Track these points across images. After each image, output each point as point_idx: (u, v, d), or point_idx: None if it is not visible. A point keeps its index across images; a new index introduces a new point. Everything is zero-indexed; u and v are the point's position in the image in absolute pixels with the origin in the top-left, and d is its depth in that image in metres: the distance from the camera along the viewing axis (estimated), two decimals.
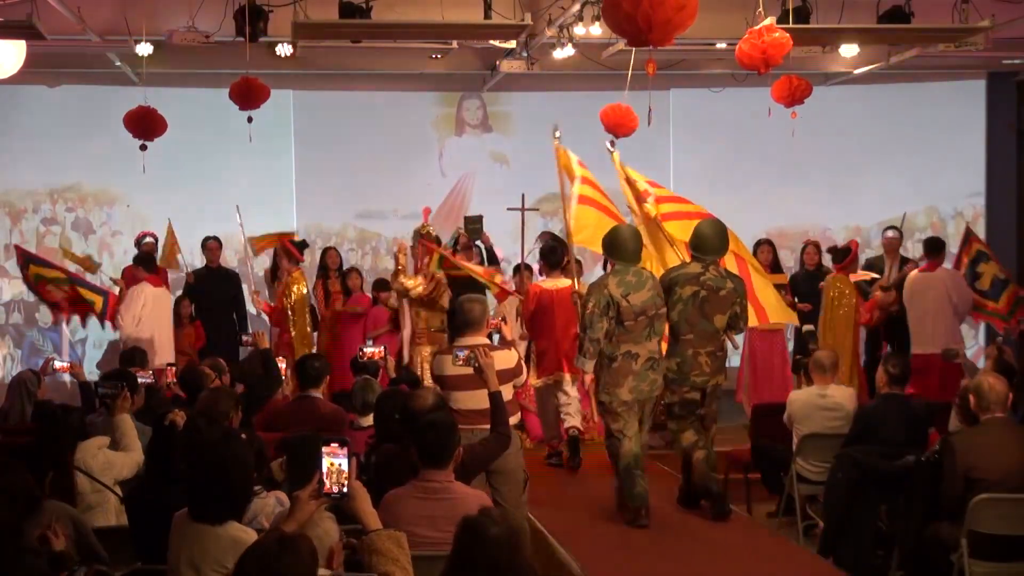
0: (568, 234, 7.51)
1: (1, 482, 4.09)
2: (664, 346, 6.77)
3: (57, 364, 7.32)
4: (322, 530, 3.65)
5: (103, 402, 5.75)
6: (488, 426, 5.35)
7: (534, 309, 8.27)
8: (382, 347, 7.45)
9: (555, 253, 8.21)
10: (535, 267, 9.64)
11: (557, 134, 7.56)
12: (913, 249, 11.36)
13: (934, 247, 9.88)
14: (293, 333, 9.74)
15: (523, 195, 9.69)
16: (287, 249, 9.88)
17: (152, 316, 9.30)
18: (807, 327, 9.28)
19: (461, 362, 5.43)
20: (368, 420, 5.80)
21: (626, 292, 6.38)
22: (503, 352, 5.81)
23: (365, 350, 7.28)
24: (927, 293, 9.60)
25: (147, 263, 9.62)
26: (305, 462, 3.92)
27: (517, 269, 10.08)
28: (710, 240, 6.69)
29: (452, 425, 4.45)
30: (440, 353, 5.86)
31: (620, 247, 6.56)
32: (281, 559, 2.87)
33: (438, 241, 9.27)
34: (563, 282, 8.00)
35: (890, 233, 10.50)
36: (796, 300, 10.07)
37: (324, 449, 3.34)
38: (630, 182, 7.57)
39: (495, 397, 5.32)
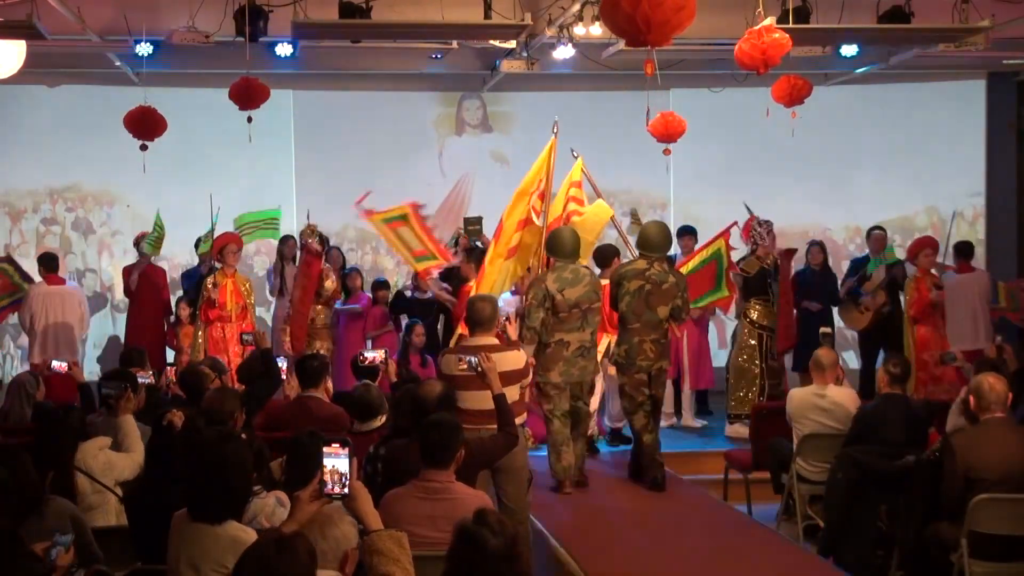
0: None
1: (4, 472, 4.08)
2: (606, 336, 7.81)
3: (55, 364, 7.29)
4: (340, 532, 3.64)
5: (106, 402, 5.75)
6: (494, 427, 5.38)
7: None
8: (383, 350, 7.43)
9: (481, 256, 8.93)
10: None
11: (555, 129, 8.09)
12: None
13: (965, 251, 9.99)
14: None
15: None
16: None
17: (41, 313, 9.68)
18: (824, 329, 9.31)
19: (464, 366, 5.44)
20: (368, 425, 5.77)
21: (561, 287, 7.10)
22: (513, 353, 5.85)
23: (366, 354, 7.25)
24: (964, 294, 9.69)
25: (46, 262, 9.90)
26: (305, 462, 3.92)
27: None
28: (655, 239, 7.49)
29: (456, 426, 4.46)
30: (447, 353, 5.90)
31: (560, 247, 7.31)
32: (279, 559, 2.86)
33: (323, 240, 9.87)
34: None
35: (877, 233, 10.51)
36: (800, 300, 10.07)
37: (325, 449, 3.35)
38: (579, 185, 8.39)
39: (498, 399, 5.35)
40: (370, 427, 5.70)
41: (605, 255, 8.83)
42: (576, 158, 8.44)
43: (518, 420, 5.82)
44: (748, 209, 9.67)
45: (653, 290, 7.35)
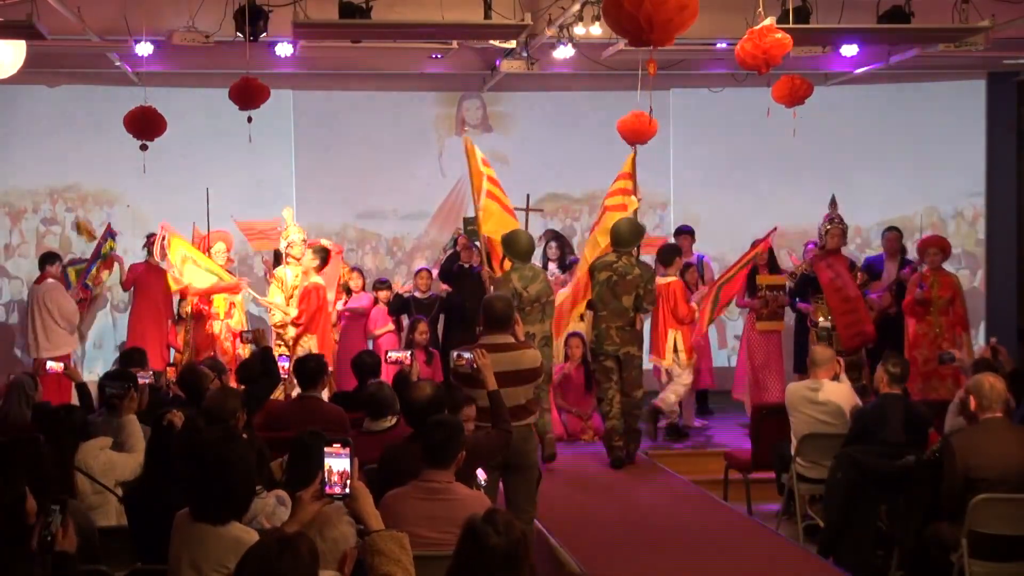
0: (478, 225, 8.74)
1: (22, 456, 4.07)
2: (672, 332, 8.82)
3: (50, 365, 7.27)
4: (339, 533, 3.64)
5: (110, 402, 5.74)
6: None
7: (317, 307, 9.22)
8: (408, 352, 7.50)
9: (326, 256, 9.47)
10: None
11: (466, 129, 8.57)
12: (912, 249, 11.33)
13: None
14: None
15: (527, 195, 9.70)
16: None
17: (38, 311, 9.89)
18: (823, 323, 9.35)
19: (463, 364, 5.44)
20: (380, 424, 5.73)
21: (525, 284, 7.88)
22: (528, 352, 5.85)
23: (391, 355, 7.46)
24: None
25: (42, 260, 10.07)
26: (307, 462, 3.92)
27: None
28: (624, 235, 8.32)
29: (459, 427, 4.47)
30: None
31: (517, 248, 8.06)
32: (281, 559, 2.86)
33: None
34: (314, 278, 9.36)
35: (891, 233, 10.49)
36: (797, 300, 10.06)
37: (326, 449, 3.35)
38: (627, 177, 8.97)
39: (493, 396, 5.36)
40: (382, 426, 5.66)
41: (667, 254, 9.30)
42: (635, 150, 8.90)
43: (531, 419, 5.81)
44: (833, 202, 9.64)
45: (619, 281, 8.18)
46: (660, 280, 9.20)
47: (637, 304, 8.20)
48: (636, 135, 8.55)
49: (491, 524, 3.02)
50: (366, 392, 6.08)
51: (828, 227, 9.40)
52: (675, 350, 9.21)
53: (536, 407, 6.06)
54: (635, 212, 8.94)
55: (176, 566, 3.64)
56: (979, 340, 11.93)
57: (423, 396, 5.11)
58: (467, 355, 5.46)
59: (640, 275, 8.23)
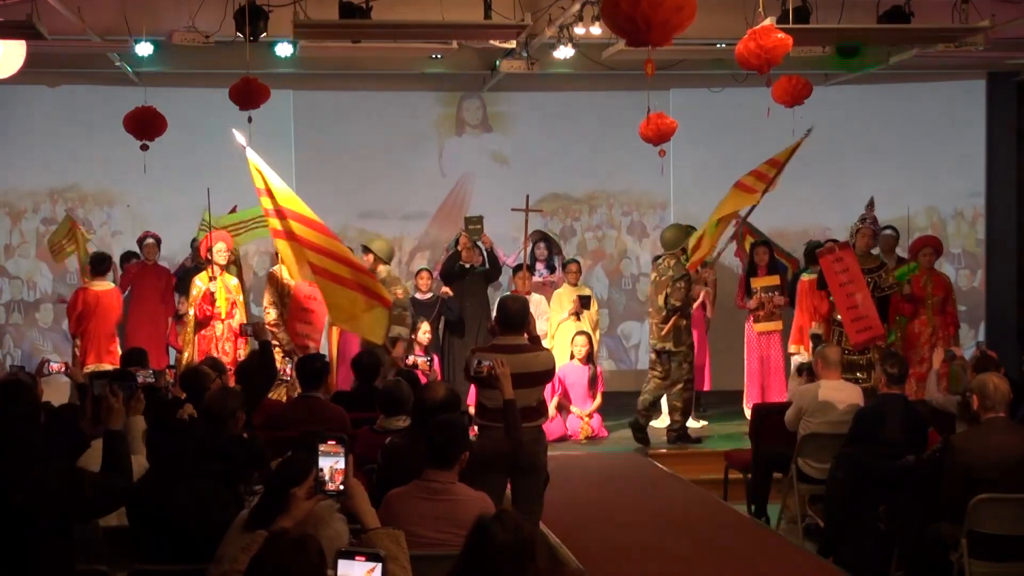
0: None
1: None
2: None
3: (53, 365, 7.25)
4: (334, 531, 3.63)
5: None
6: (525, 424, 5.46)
7: (80, 311, 9.33)
8: (429, 357, 7.48)
9: (103, 262, 9.57)
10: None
11: (244, 143, 8.03)
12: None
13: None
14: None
15: (527, 195, 9.69)
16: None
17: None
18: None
19: (482, 371, 5.38)
20: (394, 423, 5.70)
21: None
22: (544, 354, 5.84)
23: (410, 358, 7.45)
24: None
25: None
26: (303, 459, 3.91)
27: (518, 269, 10.08)
28: (668, 240, 9.28)
29: (463, 428, 4.46)
30: (475, 351, 5.87)
31: (391, 254, 9.18)
32: (293, 560, 2.86)
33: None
34: (108, 284, 9.51)
35: (887, 232, 10.49)
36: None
37: (321, 447, 3.34)
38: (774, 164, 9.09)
39: (507, 404, 5.35)
40: (396, 425, 5.61)
41: (813, 252, 9.53)
42: (807, 133, 8.72)
43: (541, 420, 5.79)
44: (871, 203, 9.63)
45: (658, 281, 9.02)
46: (807, 276, 9.80)
47: (665, 302, 8.84)
48: (661, 136, 8.53)
49: (500, 522, 3.03)
50: (383, 389, 6.05)
51: (859, 226, 9.34)
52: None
53: (545, 409, 6.03)
54: (752, 207, 9.10)
55: (220, 559, 3.60)
56: (979, 340, 11.94)
57: (437, 397, 5.08)
58: (487, 363, 5.40)
59: (671, 276, 8.92)
